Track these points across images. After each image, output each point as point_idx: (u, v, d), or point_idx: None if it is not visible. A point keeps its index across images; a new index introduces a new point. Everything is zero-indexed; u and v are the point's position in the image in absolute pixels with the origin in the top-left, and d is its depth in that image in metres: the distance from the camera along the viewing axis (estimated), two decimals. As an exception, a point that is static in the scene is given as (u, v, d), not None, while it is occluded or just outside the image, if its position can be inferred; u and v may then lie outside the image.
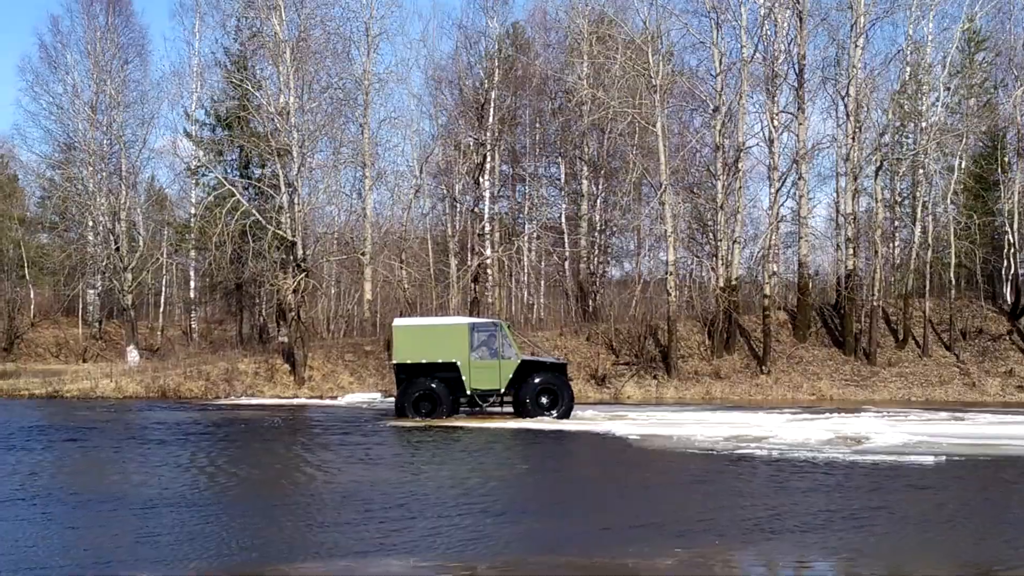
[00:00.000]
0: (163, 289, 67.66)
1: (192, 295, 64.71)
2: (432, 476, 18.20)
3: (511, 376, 30.45)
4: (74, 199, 53.24)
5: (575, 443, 25.01)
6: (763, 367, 44.12)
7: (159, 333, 64.71)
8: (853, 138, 44.47)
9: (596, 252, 52.90)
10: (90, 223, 54.21)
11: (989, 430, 27.84)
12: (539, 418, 29.90)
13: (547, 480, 18.46)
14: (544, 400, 30.58)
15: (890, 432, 25.92)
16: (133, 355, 48.62)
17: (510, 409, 31.10)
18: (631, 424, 28.80)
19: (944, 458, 20.63)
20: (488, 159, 50.33)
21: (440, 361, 30.35)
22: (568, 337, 46.20)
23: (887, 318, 46.80)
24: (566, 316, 52.65)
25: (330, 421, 30.35)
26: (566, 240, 54.06)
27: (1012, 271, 46.76)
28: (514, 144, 56.98)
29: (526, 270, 58.25)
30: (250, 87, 44.54)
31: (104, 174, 50.55)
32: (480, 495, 15.86)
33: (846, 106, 44.83)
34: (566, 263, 54.54)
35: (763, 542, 12.45)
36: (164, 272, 64.04)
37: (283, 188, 41.78)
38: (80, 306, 65.52)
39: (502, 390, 30.63)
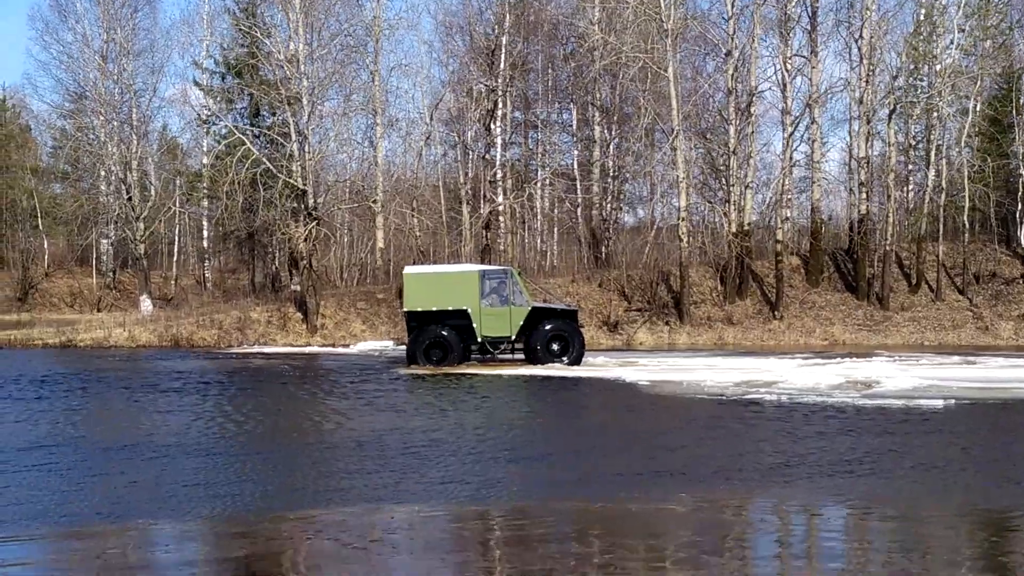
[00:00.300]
0: (176, 239, 67.84)
1: (205, 245, 64.84)
2: (444, 423, 18.24)
3: (522, 323, 30.47)
4: (85, 149, 53.32)
5: (585, 389, 25.05)
6: (775, 312, 44.06)
7: (173, 282, 64.91)
8: (866, 81, 44.13)
9: (608, 199, 52.71)
10: (102, 173, 54.25)
11: (1000, 373, 27.78)
12: (550, 365, 29.93)
13: (558, 426, 18.51)
14: (555, 347, 30.61)
15: (900, 376, 25.91)
16: (146, 304, 48.75)
17: (521, 356, 31.15)
18: (641, 370, 28.83)
19: (953, 401, 20.62)
20: (499, 106, 50.05)
21: (451, 309, 30.35)
22: (580, 284, 46.17)
23: (900, 262, 46.65)
24: (578, 263, 52.55)
25: (342, 369, 30.45)
26: (578, 187, 53.85)
27: (1026, 215, 46.51)
28: (526, 91, 56.63)
29: (539, 217, 58.14)
30: (259, 34, 44.28)
31: (115, 123, 50.42)
32: (491, 442, 15.92)
33: (859, 49, 44.45)
34: (579, 210, 54.36)
35: (771, 487, 12.48)
36: (177, 222, 64.16)
37: (293, 136, 41.68)
38: (94, 256, 65.76)
39: (513, 337, 30.65)
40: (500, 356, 31.34)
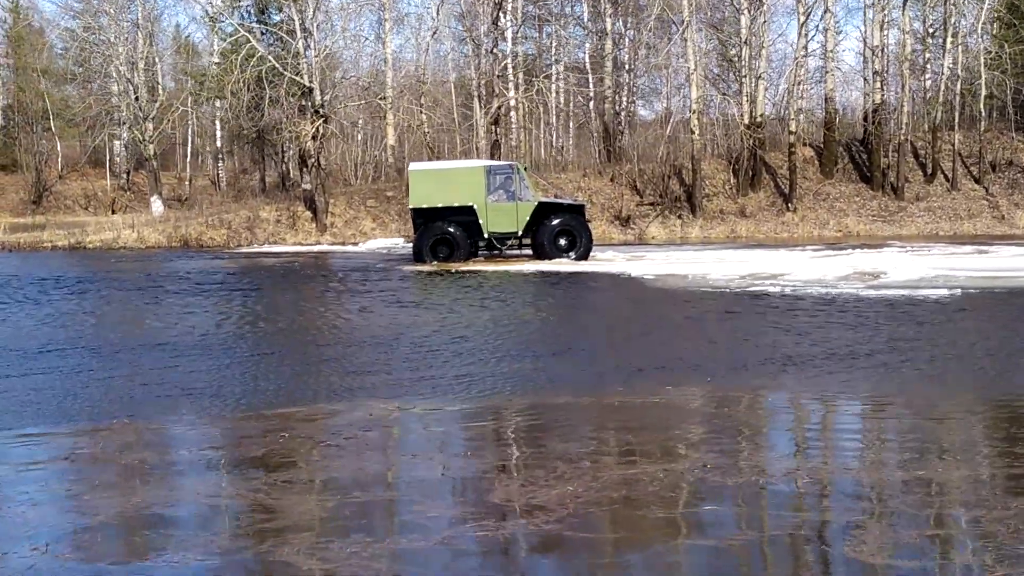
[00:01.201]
0: (191, 139, 67.60)
1: (219, 144, 64.60)
2: (443, 320, 18.13)
3: (528, 218, 30.27)
4: (92, 49, 52.83)
5: (589, 284, 24.89)
6: (789, 204, 43.78)
7: (188, 183, 64.86)
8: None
9: (622, 92, 52.07)
10: (114, 74, 53.85)
11: (1010, 263, 27.52)
12: (557, 260, 29.78)
13: (556, 323, 18.30)
14: (562, 242, 30.46)
15: (908, 266, 25.63)
16: (157, 205, 48.73)
17: (529, 252, 31.03)
18: (649, 264, 28.72)
19: (959, 291, 20.40)
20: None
21: (456, 205, 30.13)
22: (592, 178, 45.87)
23: (915, 152, 46.13)
24: (590, 158, 52.14)
25: (348, 267, 30.38)
26: (591, 80, 53.21)
27: (1045, 102, 45.85)
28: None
29: (553, 112, 57.61)
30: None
31: (125, 24, 49.92)
32: (486, 339, 15.79)
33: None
34: (591, 103, 53.80)
35: (754, 379, 12.33)
36: (189, 121, 63.84)
37: (299, 33, 41.20)
38: (107, 158, 65.67)
39: (519, 232, 30.51)
40: (507, 252, 31.24)
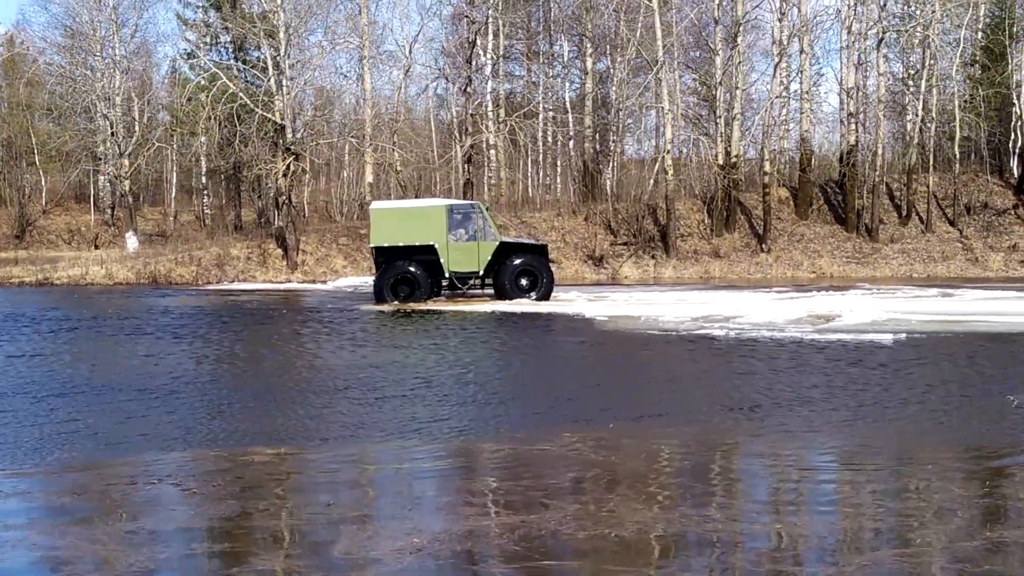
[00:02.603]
0: (175, 175, 67.57)
1: (204, 180, 64.56)
2: (358, 363, 17.93)
3: (490, 258, 30.17)
4: (69, 85, 52.89)
5: (537, 325, 24.67)
6: (763, 245, 43.72)
7: (172, 219, 64.80)
8: (854, 9, 43.35)
9: (602, 131, 52.15)
10: (96, 109, 53.92)
11: (970, 306, 27.39)
12: (518, 300, 29.65)
13: (479, 366, 17.88)
14: (524, 282, 30.33)
15: (864, 309, 25.50)
16: (132, 241, 48.66)
17: (491, 291, 30.93)
18: (608, 305, 28.58)
19: (904, 335, 20.27)
20: (481, 37, 49.16)
21: (418, 244, 30.05)
22: (566, 218, 45.84)
23: (891, 194, 46.14)
24: (565, 196, 52.19)
25: (307, 307, 30.26)
26: (570, 119, 53.34)
27: (1019, 144, 45.77)
28: (528, 20, 55.89)
29: (539, 149, 57.70)
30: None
31: (103, 59, 49.99)
32: (399, 383, 15.59)
33: (848, -25, 43.67)
34: (571, 143, 53.89)
35: (652, 427, 12.16)
36: (171, 156, 63.82)
37: (271, 71, 41.29)
38: (92, 193, 65.65)
39: (481, 272, 30.40)
40: (469, 292, 31.13)
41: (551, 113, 54.95)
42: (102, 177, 63.14)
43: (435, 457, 10.82)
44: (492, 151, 51.63)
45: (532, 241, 32.69)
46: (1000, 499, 9.10)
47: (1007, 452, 10.81)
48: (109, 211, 64.68)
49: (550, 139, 58.16)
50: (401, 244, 30.00)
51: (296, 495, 9.40)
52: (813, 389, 14.42)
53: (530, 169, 60.15)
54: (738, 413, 12.84)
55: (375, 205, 32.07)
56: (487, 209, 31.75)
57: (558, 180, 59.44)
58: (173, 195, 67.61)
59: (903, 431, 11.79)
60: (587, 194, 49.15)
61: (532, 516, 8.36)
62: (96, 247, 58.36)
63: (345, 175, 61.22)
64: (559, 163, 59.74)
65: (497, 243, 30.32)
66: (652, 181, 46.75)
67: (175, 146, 59.27)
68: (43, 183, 67.10)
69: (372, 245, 30.69)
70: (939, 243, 43.87)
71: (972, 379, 15.32)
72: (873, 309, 25.70)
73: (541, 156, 59.36)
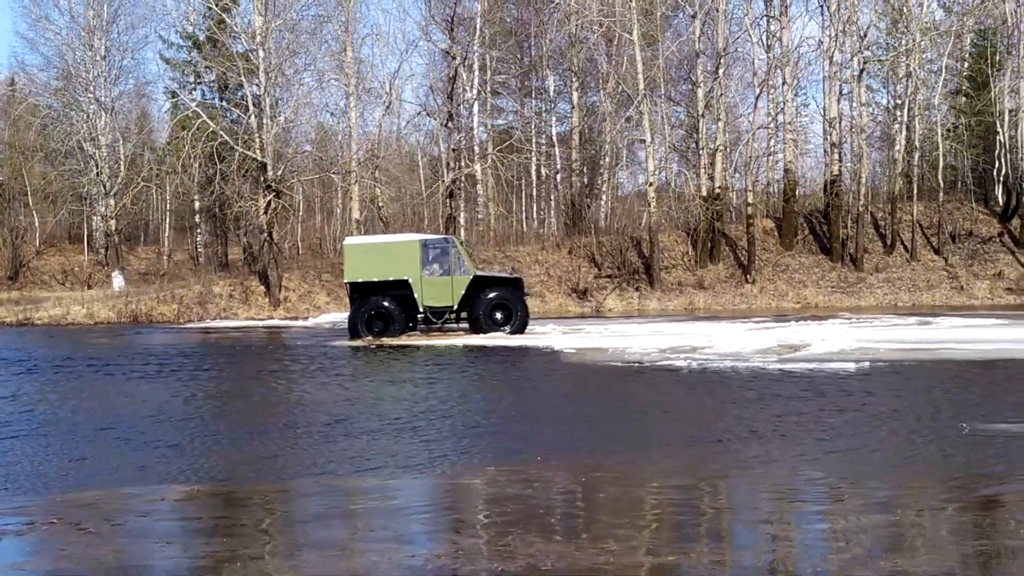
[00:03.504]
0: (168, 213, 67.70)
1: (197, 219, 64.64)
2: (314, 399, 17.88)
3: (464, 292, 30.19)
4: (59, 124, 53.10)
5: (504, 359, 24.44)
6: (748, 276, 43.65)
7: (166, 257, 64.89)
8: (836, 40, 43.44)
9: (589, 165, 52.23)
10: (88, 150, 54.09)
11: (945, 334, 27.28)
12: (492, 334, 29.65)
13: (432, 400, 17.77)
14: (498, 315, 30.35)
15: (835, 339, 25.44)
16: (118, 280, 48.71)
17: (466, 325, 30.87)
18: (581, 337, 28.55)
19: (868, 364, 20.19)
20: (461, 73, 49.20)
21: (392, 279, 30.06)
22: (550, 251, 45.84)
23: (875, 223, 46.12)
24: (548, 230, 52.21)
25: (279, 342, 30.18)
26: (557, 153, 53.44)
27: (1003, 172, 45.72)
28: (521, 56, 56.05)
29: (523, 185, 57.75)
30: (218, 8, 43.87)
31: (83, 99, 50.23)
32: (359, 418, 15.49)
33: (829, 7, 43.74)
34: (558, 176, 53.93)
35: (585, 458, 12.04)
36: (158, 196, 63.96)
37: (251, 108, 41.42)
38: (85, 233, 65.79)
39: (455, 306, 30.38)
40: (444, 326, 31.07)
41: (543, 147, 55.03)
42: (95, 217, 63.30)
43: (350, 493, 10.74)
44: (479, 186, 51.67)
45: (506, 275, 32.61)
46: (910, 527, 8.98)
47: (956, 479, 10.66)
48: (103, 251, 64.78)
49: (543, 173, 58.24)
50: (375, 279, 30.02)
51: (200, 536, 9.30)
52: (743, 421, 14.24)
53: (524, 204, 60.25)
54: (667, 447, 12.74)
55: (348, 241, 32.12)
56: (462, 243, 31.78)
57: (552, 215, 59.44)
58: (167, 234, 67.76)
59: (838, 462, 11.64)
60: (572, 227, 49.16)
61: (422, 551, 8.28)
62: (89, 287, 58.40)
63: (338, 211, 61.30)
64: (552, 198, 59.78)
65: (471, 277, 30.32)
66: (623, 213, 46.72)
67: (167, 185, 59.37)
68: (36, 224, 67.27)
69: (346, 280, 30.73)
70: (924, 272, 43.78)
71: (924, 408, 15.14)
72: (844, 338, 25.66)
73: (535, 190, 59.45)
